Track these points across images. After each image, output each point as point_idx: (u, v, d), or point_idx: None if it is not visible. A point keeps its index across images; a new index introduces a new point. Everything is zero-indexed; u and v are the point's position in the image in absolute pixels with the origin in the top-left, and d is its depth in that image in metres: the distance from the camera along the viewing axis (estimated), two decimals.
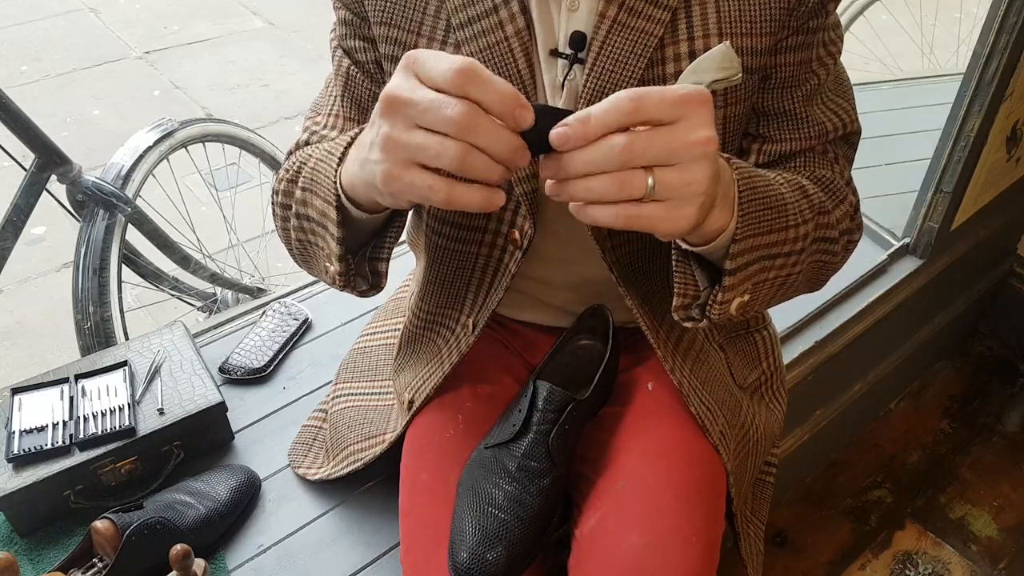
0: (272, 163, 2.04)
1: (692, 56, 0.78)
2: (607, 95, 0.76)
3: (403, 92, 0.57)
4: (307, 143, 0.91)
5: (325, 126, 0.91)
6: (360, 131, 0.72)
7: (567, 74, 0.80)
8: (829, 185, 0.87)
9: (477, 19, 0.80)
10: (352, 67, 0.89)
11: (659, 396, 0.95)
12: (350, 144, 0.73)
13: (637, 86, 0.76)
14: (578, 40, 0.79)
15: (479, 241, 0.90)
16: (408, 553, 0.89)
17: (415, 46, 0.82)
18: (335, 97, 0.92)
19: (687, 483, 0.88)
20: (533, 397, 0.87)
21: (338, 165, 0.72)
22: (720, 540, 0.89)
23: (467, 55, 0.79)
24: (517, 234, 0.87)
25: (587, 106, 0.77)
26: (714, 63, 0.77)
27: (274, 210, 0.90)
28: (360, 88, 0.89)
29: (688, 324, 0.77)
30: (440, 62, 0.56)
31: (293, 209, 0.82)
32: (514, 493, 0.82)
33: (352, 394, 1.10)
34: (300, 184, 0.80)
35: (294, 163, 0.85)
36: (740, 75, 0.78)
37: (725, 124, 0.82)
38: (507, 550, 0.79)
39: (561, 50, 0.80)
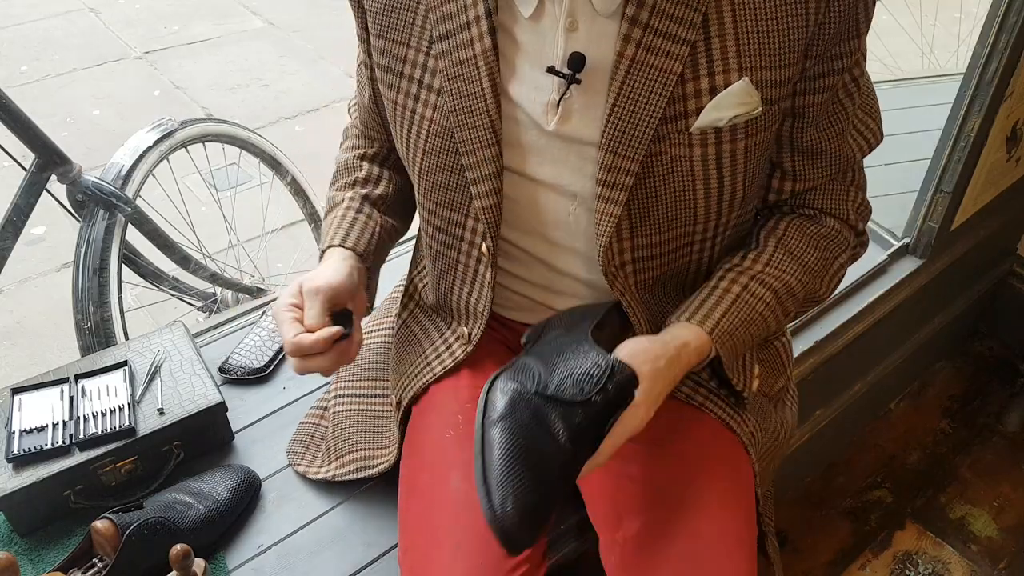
0: (272, 163, 2.04)
1: (713, 92, 0.78)
2: (628, 136, 0.79)
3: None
4: (348, 109, 1.10)
5: (355, 103, 1.06)
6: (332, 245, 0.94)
7: (564, 94, 0.81)
8: (833, 241, 0.93)
9: (451, 34, 0.82)
10: (361, 66, 0.96)
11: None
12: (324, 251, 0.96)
13: (659, 125, 0.79)
14: (577, 61, 0.78)
15: (457, 248, 0.93)
16: (407, 554, 0.89)
17: (405, 57, 0.86)
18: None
19: (726, 486, 0.89)
20: (611, 374, 0.76)
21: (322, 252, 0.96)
22: (756, 541, 0.90)
23: (441, 68, 0.83)
24: (484, 247, 0.89)
25: (608, 147, 0.80)
26: (734, 100, 0.79)
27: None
28: (361, 87, 0.98)
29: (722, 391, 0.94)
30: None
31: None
32: (560, 459, 0.74)
33: (355, 394, 1.10)
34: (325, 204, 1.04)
35: (336, 183, 1.05)
36: (759, 109, 0.80)
37: (746, 154, 0.82)
38: (541, 509, 0.71)
39: (559, 69, 0.80)
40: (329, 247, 0.94)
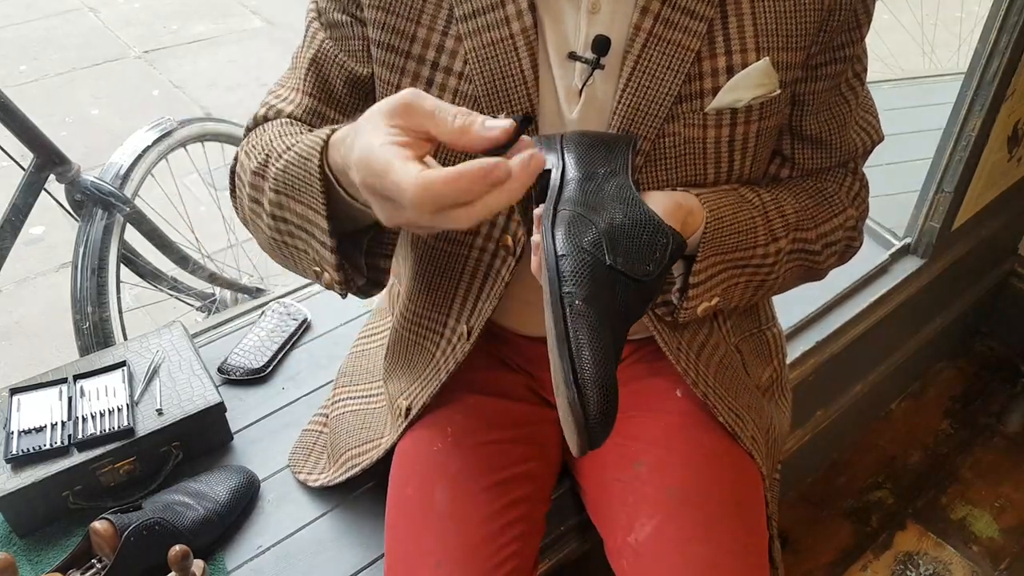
0: None
1: (730, 71, 0.77)
2: (642, 114, 0.77)
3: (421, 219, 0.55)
4: (264, 118, 0.87)
5: (284, 99, 0.86)
6: (336, 130, 0.67)
7: (587, 80, 0.77)
8: (828, 199, 0.90)
9: (482, 12, 0.76)
10: (326, 42, 0.84)
11: (692, 402, 0.95)
12: (326, 144, 0.67)
13: (674, 103, 0.77)
14: (602, 44, 0.75)
15: (470, 244, 0.87)
16: (391, 569, 0.88)
17: (414, 36, 0.78)
18: (299, 70, 0.87)
19: (736, 491, 0.89)
20: (672, 249, 0.70)
21: (320, 162, 0.67)
22: (767, 545, 0.90)
23: (468, 50, 0.77)
24: (510, 239, 0.85)
25: (620, 125, 0.78)
26: (753, 80, 0.77)
27: (238, 201, 0.84)
28: (330, 66, 0.84)
29: (659, 311, 0.85)
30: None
31: (265, 208, 0.77)
32: (623, 338, 0.68)
33: (351, 398, 1.09)
34: (270, 184, 0.75)
35: (257, 150, 0.79)
36: (778, 90, 0.79)
37: (758, 137, 0.81)
38: (616, 397, 0.63)
39: (580, 53, 0.77)
40: (329, 137, 0.67)
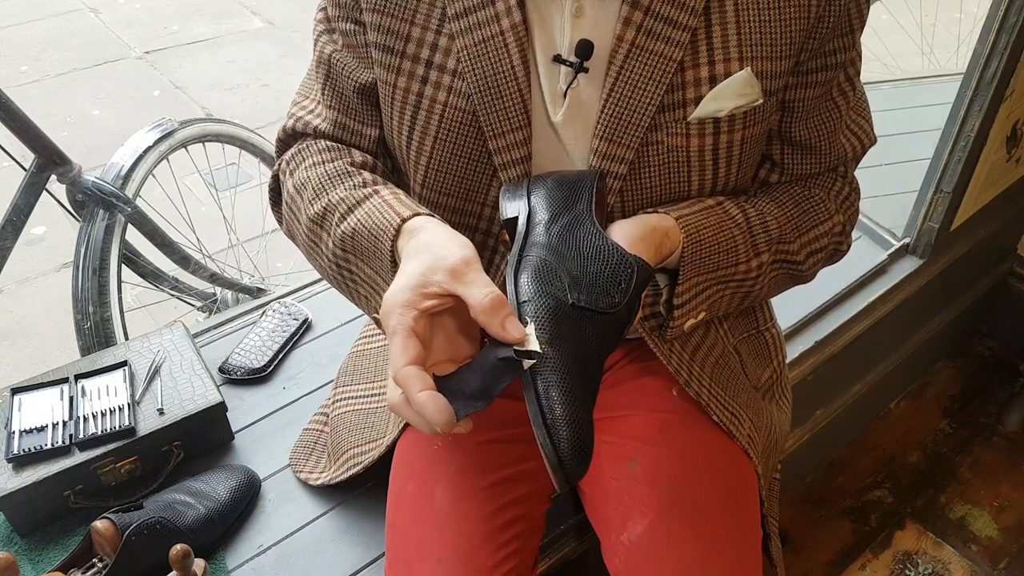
0: (272, 163, 2.04)
1: (713, 81, 0.77)
2: (624, 123, 0.78)
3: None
4: (293, 130, 0.92)
5: (311, 112, 0.91)
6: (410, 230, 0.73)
7: (571, 83, 0.78)
8: (815, 206, 0.90)
9: (473, 10, 0.77)
10: (335, 54, 0.87)
11: (687, 400, 0.95)
12: (398, 232, 0.74)
13: (656, 113, 0.78)
14: (585, 48, 0.76)
15: (470, 240, 0.88)
16: (392, 566, 0.89)
17: (408, 35, 0.80)
18: (317, 82, 0.91)
19: (731, 489, 0.89)
20: (636, 277, 0.71)
21: (392, 248, 0.73)
22: (761, 543, 0.90)
23: (461, 48, 0.78)
24: (507, 234, 0.85)
25: (604, 134, 0.78)
26: (735, 90, 0.77)
27: (286, 225, 0.90)
28: (340, 78, 0.87)
29: (648, 323, 0.86)
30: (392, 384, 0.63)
31: (326, 253, 0.82)
32: (598, 374, 0.69)
33: (352, 397, 1.10)
34: (335, 240, 0.80)
35: (308, 190, 0.84)
36: (760, 99, 0.79)
37: (742, 145, 0.82)
38: (591, 436, 0.65)
39: (565, 57, 0.78)
40: (410, 217, 0.74)
